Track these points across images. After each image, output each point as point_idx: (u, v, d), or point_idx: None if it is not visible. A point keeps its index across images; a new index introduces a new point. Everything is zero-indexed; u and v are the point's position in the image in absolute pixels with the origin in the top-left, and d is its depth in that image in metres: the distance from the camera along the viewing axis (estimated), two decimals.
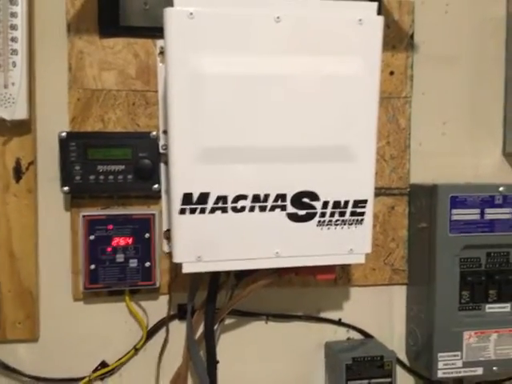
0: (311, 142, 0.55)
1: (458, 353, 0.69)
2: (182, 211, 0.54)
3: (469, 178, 0.76)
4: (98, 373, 0.67)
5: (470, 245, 0.68)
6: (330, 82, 0.54)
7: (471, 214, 0.68)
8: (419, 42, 0.73)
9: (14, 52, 0.60)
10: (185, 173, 0.53)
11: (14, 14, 0.60)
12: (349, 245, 0.58)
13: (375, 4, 0.53)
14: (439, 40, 0.74)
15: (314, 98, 0.54)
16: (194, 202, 0.54)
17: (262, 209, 0.55)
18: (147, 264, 0.64)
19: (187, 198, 0.53)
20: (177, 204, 0.53)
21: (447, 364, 0.69)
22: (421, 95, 0.73)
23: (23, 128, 0.63)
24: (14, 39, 0.60)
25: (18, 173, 0.64)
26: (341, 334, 0.75)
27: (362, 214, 0.58)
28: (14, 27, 0.60)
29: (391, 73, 0.71)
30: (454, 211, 0.67)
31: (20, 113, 0.61)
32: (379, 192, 0.71)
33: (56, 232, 0.66)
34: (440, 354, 0.69)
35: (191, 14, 0.50)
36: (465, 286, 0.69)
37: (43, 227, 0.66)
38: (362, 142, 0.56)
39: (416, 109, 0.73)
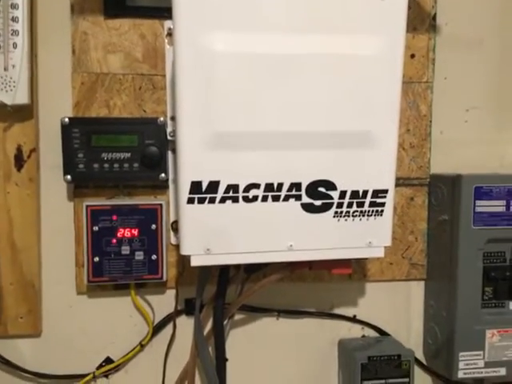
0: (328, 126, 0.52)
1: (480, 352, 0.67)
2: (190, 200, 0.51)
3: (493, 169, 0.73)
4: (103, 369, 0.66)
5: (495, 238, 0.66)
6: (350, 62, 0.51)
7: (496, 206, 0.66)
8: (442, 24, 0.70)
9: (15, 33, 0.58)
10: (193, 159, 0.51)
11: None
12: (367, 237, 0.56)
13: None
14: (463, 21, 0.71)
15: (331, 79, 0.51)
16: (202, 191, 0.51)
17: (275, 198, 0.53)
18: (153, 257, 0.62)
19: (196, 186, 0.51)
20: (184, 193, 0.51)
21: (468, 364, 0.67)
22: (443, 80, 0.71)
23: (25, 113, 0.61)
24: (14, 19, 0.58)
25: (20, 160, 0.62)
26: (355, 331, 0.73)
27: (382, 204, 0.55)
28: (14, 6, 0.58)
29: (412, 56, 0.68)
30: (478, 203, 0.65)
31: (21, 97, 0.59)
32: (398, 182, 0.67)
33: (59, 223, 0.64)
34: (461, 354, 0.67)
35: None
36: (488, 281, 0.67)
37: (46, 218, 0.64)
38: (383, 128, 0.53)
39: (438, 94, 0.70)
